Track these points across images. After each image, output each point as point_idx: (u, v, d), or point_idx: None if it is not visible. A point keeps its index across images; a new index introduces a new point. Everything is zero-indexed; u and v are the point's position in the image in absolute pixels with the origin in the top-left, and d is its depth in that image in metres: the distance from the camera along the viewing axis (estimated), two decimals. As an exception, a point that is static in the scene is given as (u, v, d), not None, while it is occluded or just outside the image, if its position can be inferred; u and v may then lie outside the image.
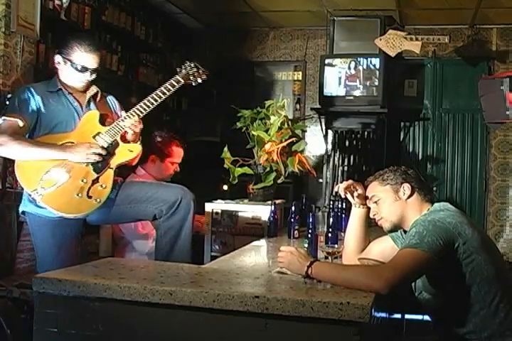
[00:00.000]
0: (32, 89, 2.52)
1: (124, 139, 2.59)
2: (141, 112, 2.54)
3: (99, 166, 2.48)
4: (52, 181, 2.39)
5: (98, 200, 2.45)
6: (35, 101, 2.48)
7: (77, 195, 2.41)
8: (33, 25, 3.37)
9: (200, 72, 2.68)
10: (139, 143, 2.62)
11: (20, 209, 2.59)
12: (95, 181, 2.47)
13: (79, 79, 2.54)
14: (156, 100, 2.56)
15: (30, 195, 2.39)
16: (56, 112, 2.52)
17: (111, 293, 1.66)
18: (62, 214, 2.44)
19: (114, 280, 1.71)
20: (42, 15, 3.44)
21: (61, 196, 2.40)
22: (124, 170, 3.15)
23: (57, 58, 2.54)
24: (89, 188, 2.44)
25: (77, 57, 2.49)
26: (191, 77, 2.66)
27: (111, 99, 2.76)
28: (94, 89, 2.64)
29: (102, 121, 2.58)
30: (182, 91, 5.86)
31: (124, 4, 4.73)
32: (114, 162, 2.54)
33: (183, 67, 2.66)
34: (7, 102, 3.00)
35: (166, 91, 2.58)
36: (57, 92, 2.55)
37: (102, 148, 2.48)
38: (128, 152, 2.58)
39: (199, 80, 2.69)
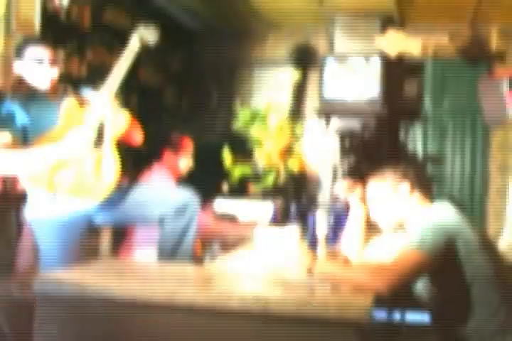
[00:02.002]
0: (9, 104, 2.53)
1: None
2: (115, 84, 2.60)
3: (97, 143, 2.52)
4: (64, 176, 2.44)
5: (112, 173, 2.50)
6: (17, 114, 2.49)
7: (91, 175, 2.46)
8: (33, 25, 3.37)
9: (151, 29, 2.70)
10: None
11: (29, 216, 2.60)
12: (100, 157, 2.51)
13: (41, 74, 2.53)
14: (123, 68, 2.65)
15: (48, 197, 2.43)
16: (40, 115, 2.53)
17: (111, 293, 1.67)
18: (86, 200, 2.49)
19: (114, 280, 1.71)
20: (42, 15, 3.44)
21: (78, 184, 2.45)
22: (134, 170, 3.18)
23: (15, 65, 2.57)
24: (99, 165, 2.50)
25: (31, 51, 2.51)
26: (145, 38, 2.69)
27: (84, 90, 2.78)
28: (62, 85, 2.66)
29: (82, 105, 2.60)
30: (182, 91, 5.79)
31: (124, 4, 4.72)
32: (110, 133, 2.57)
33: (133, 34, 2.69)
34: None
35: (127, 58, 2.67)
36: (33, 98, 2.55)
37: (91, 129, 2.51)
38: (118, 121, 2.60)
39: (155, 38, 2.72)
